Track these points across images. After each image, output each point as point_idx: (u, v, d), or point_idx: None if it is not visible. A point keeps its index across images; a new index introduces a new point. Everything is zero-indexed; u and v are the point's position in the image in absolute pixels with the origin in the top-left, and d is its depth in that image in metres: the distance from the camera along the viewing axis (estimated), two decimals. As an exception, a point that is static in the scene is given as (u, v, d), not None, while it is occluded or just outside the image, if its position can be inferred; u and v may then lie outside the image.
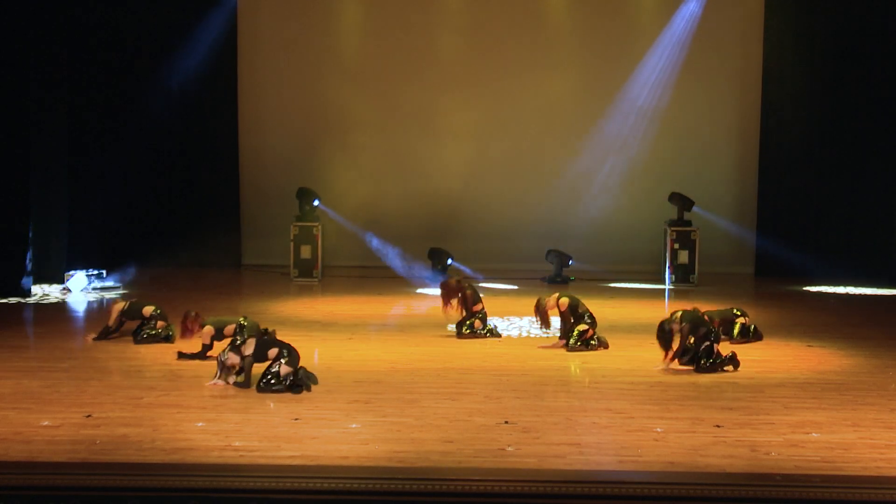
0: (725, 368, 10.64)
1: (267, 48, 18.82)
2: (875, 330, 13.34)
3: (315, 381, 9.75)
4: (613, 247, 18.21)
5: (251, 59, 18.81)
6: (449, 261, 17.49)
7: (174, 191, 18.51)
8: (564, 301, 11.86)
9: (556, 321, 12.06)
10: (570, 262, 17.41)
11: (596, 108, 18.76)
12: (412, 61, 18.83)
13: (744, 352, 11.24)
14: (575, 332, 11.67)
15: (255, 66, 18.83)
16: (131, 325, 11.95)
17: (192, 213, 18.30)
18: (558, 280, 17.29)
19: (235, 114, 18.78)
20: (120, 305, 12.08)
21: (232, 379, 9.78)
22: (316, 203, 17.51)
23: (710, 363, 10.60)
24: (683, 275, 17.06)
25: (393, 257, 17.73)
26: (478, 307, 12.51)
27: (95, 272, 16.04)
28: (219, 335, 10.84)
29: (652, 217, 18.16)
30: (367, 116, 18.84)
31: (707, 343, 10.65)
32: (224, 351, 9.90)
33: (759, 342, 12.18)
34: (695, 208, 17.44)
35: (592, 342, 11.68)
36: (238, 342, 10.04)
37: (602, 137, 18.76)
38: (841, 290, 16.70)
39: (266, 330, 10.18)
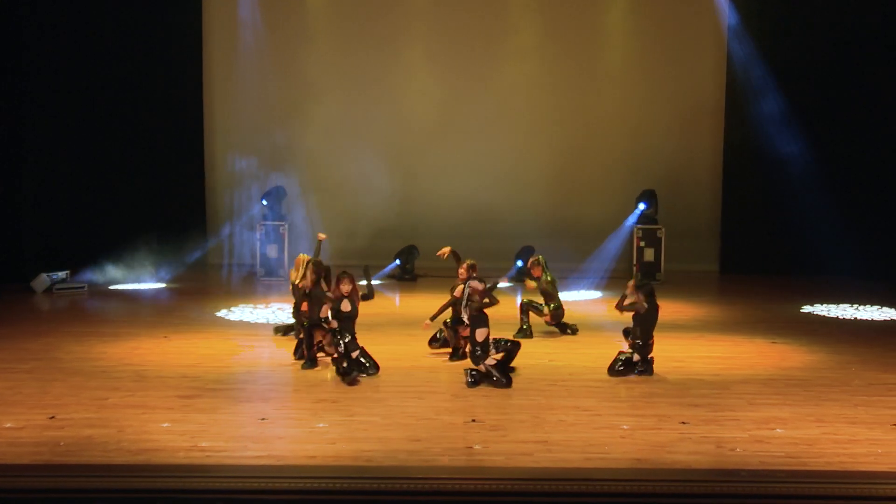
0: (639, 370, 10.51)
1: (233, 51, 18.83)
2: (837, 327, 13.50)
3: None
4: (582, 245, 18.25)
5: (217, 52, 18.78)
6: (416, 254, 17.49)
7: (140, 191, 18.37)
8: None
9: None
10: (518, 262, 17.23)
11: (566, 107, 18.86)
12: (382, 59, 18.89)
13: (708, 348, 11.32)
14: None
15: (221, 60, 18.80)
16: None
17: (157, 213, 18.14)
18: (523, 278, 17.30)
19: (201, 114, 18.73)
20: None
21: None
22: (264, 202, 17.39)
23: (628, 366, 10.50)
24: (650, 272, 17.13)
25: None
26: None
27: (59, 273, 15.84)
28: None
29: (622, 216, 18.23)
30: (339, 119, 18.83)
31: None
32: None
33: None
34: (643, 205, 17.43)
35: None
36: None
37: (571, 137, 18.84)
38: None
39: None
